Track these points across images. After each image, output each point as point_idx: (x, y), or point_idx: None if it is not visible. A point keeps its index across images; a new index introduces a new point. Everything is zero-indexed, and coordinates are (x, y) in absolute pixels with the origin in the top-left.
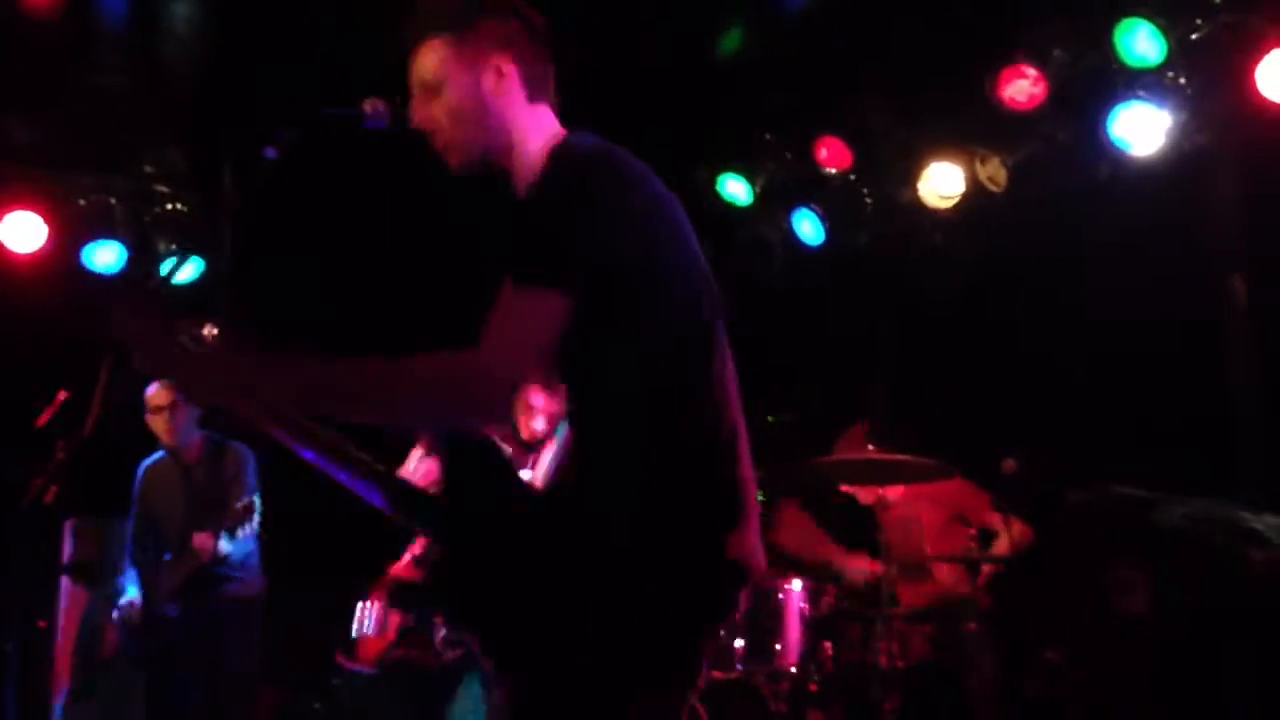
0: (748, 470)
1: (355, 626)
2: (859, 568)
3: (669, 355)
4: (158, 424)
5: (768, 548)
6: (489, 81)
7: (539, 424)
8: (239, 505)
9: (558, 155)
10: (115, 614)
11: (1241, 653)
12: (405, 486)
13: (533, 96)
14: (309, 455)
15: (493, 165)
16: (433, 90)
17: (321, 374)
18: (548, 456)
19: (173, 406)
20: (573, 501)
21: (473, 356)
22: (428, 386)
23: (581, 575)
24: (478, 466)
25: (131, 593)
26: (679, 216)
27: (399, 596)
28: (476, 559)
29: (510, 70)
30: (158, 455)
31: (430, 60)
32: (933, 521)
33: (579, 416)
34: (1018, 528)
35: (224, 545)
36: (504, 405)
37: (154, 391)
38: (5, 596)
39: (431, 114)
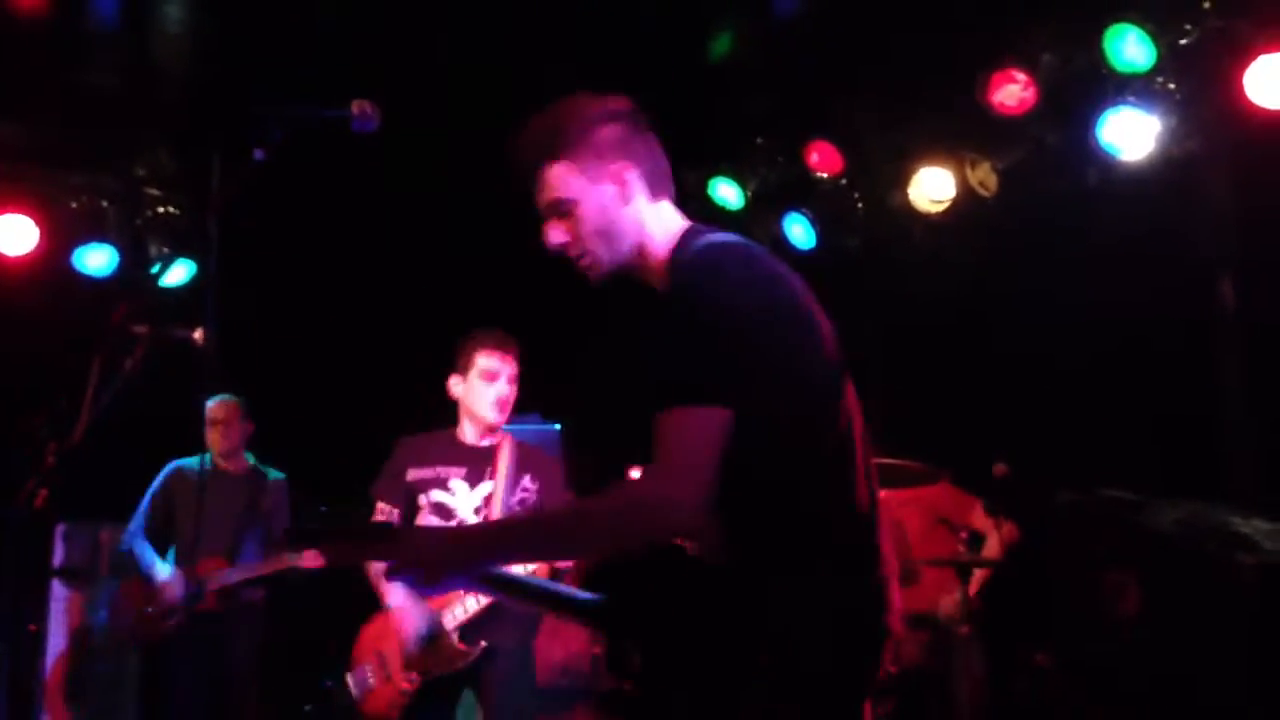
0: (887, 539)
1: (356, 688)
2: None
3: (812, 440)
4: (213, 435)
5: None
6: (612, 193)
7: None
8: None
9: (683, 262)
10: (165, 580)
11: (1231, 656)
12: (589, 604)
13: (655, 194)
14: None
15: (627, 270)
16: (563, 213)
17: (520, 536)
18: (505, 470)
19: (228, 422)
20: (746, 591)
21: (655, 487)
22: (616, 528)
23: (762, 659)
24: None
25: (163, 569)
26: (797, 290)
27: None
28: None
29: (631, 176)
30: (194, 459)
31: (554, 184)
32: (916, 526)
33: (727, 506)
34: (1007, 529)
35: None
36: (693, 528)
37: (214, 404)
38: None
39: (565, 235)
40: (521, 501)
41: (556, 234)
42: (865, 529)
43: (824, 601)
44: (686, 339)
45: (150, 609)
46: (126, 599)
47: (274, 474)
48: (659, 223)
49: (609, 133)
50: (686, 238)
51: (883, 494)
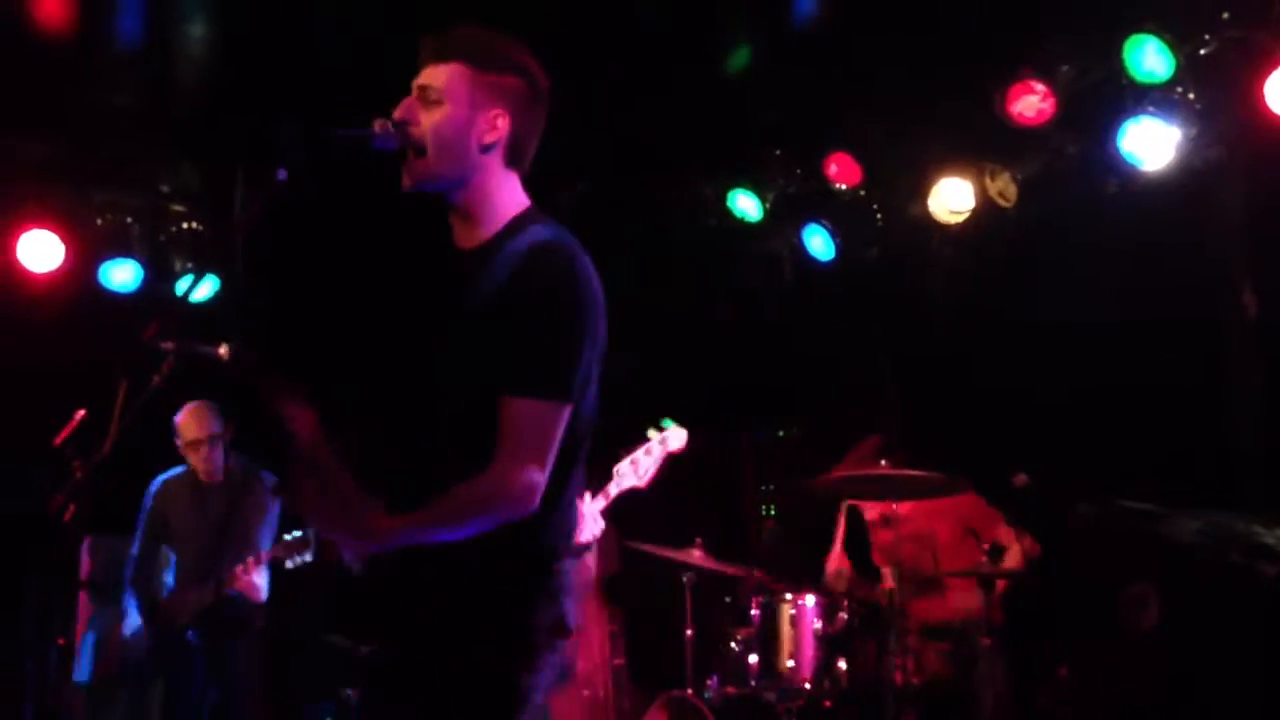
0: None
1: None
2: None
3: (582, 440)
4: (193, 457)
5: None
6: (482, 127)
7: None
8: (291, 538)
9: (551, 254)
10: (125, 633)
11: (1252, 667)
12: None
13: (511, 161)
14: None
15: (439, 195)
16: (432, 101)
17: (415, 524)
18: None
19: (210, 440)
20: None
21: (521, 479)
22: (482, 514)
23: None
24: None
25: (134, 619)
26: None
27: None
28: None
29: (504, 127)
30: (173, 472)
31: (444, 76)
32: (946, 537)
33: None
34: (1028, 542)
35: (260, 579)
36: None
37: (185, 422)
38: (24, 614)
39: (419, 117)
40: None
41: (408, 111)
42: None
43: (542, 583)
44: (550, 331)
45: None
46: (107, 643)
47: (261, 471)
48: (504, 186)
49: (517, 85)
50: (533, 216)
51: (912, 505)
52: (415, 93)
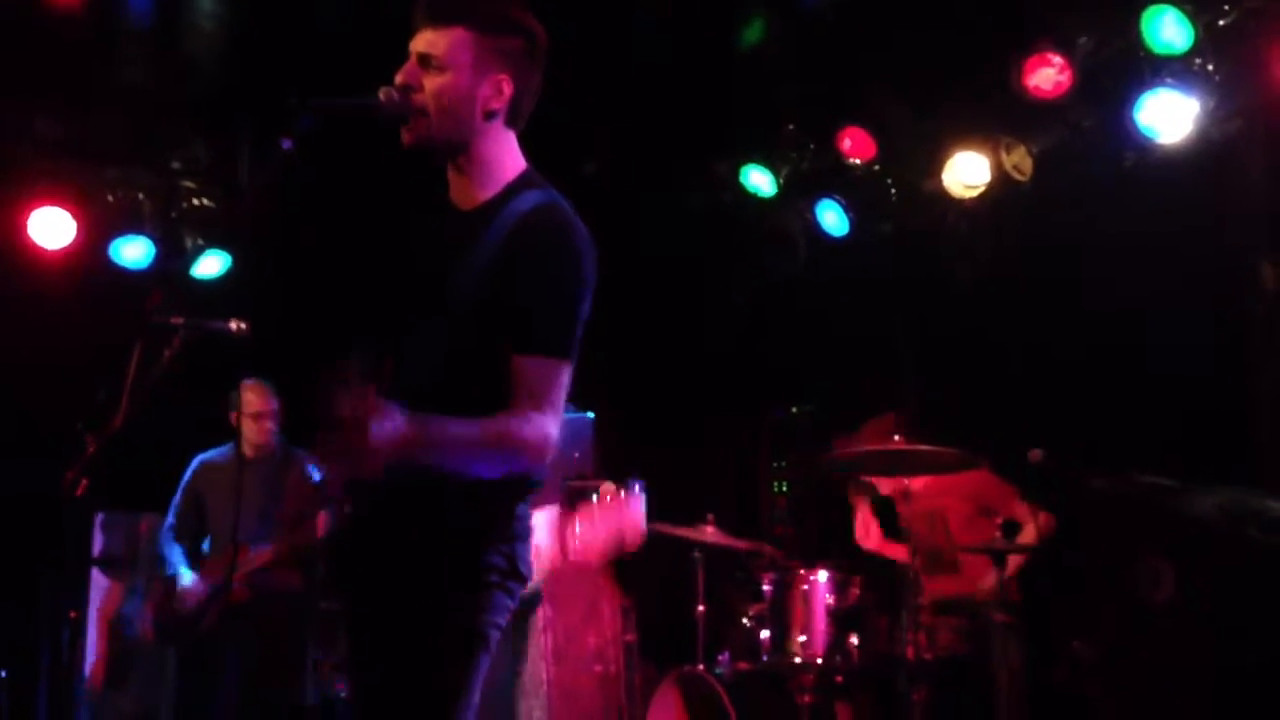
0: None
1: None
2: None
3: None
4: (252, 428)
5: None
6: (486, 92)
7: None
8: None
9: (561, 221)
10: (187, 586)
11: (1268, 643)
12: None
13: (511, 122)
14: None
15: (441, 156)
16: (435, 68)
17: (453, 439)
18: None
19: (272, 414)
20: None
21: (544, 428)
22: (515, 455)
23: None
24: None
25: (186, 575)
26: None
27: None
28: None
29: (507, 91)
30: (219, 451)
31: (446, 43)
32: (959, 514)
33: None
34: (1043, 518)
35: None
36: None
37: (249, 395)
38: (37, 589)
39: (422, 83)
40: None
41: (410, 76)
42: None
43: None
44: (560, 293)
45: (177, 608)
46: (152, 598)
47: (296, 450)
48: (504, 147)
49: (518, 46)
50: (530, 179)
51: (925, 480)
52: (415, 59)
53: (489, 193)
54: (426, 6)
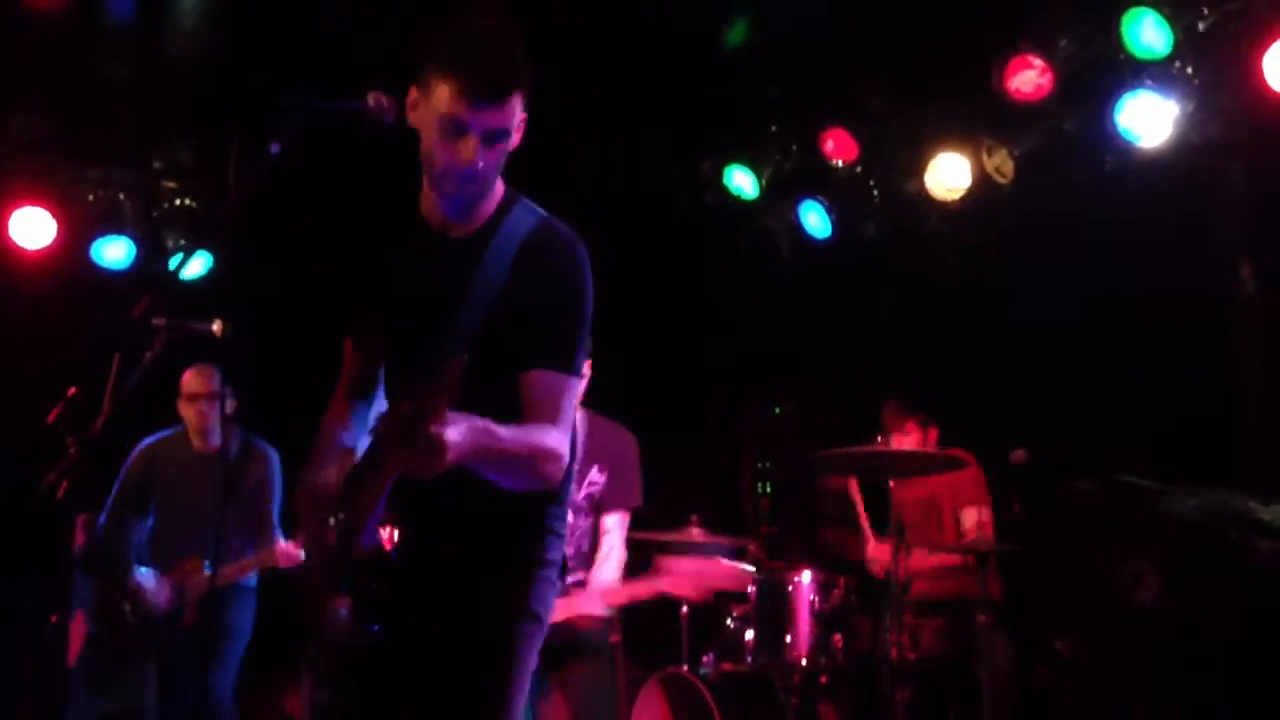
0: None
1: None
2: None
3: None
4: (190, 412)
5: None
6: (517, 139)
7: None
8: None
9: (566, 240)
10: (148, 586)
11: (1249, 644)
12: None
13: None
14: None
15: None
16: (497, 140)
17: (502, 450)
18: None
19: (210, 396)
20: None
21: (562, 444)
22: (539, 469)
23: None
24: None
25: (142, 571)
26: None
27: None
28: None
29: (522, 128)
30: (163, 434)
31: (512, 113)
32: (949, 503)
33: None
34: (985, 514)
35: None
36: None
37: (188, 377)
38: (18, 591)
39: (484, 162)
40: (588, 497)
41: (485, 158)
42: None
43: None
44: (570, 312)
45: (132, 614)
46: (104, 603)
47: (260, 444)
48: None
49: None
50: (513, 196)
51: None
52: (480, 136)
53: (483, 218)
54: (490, 88)
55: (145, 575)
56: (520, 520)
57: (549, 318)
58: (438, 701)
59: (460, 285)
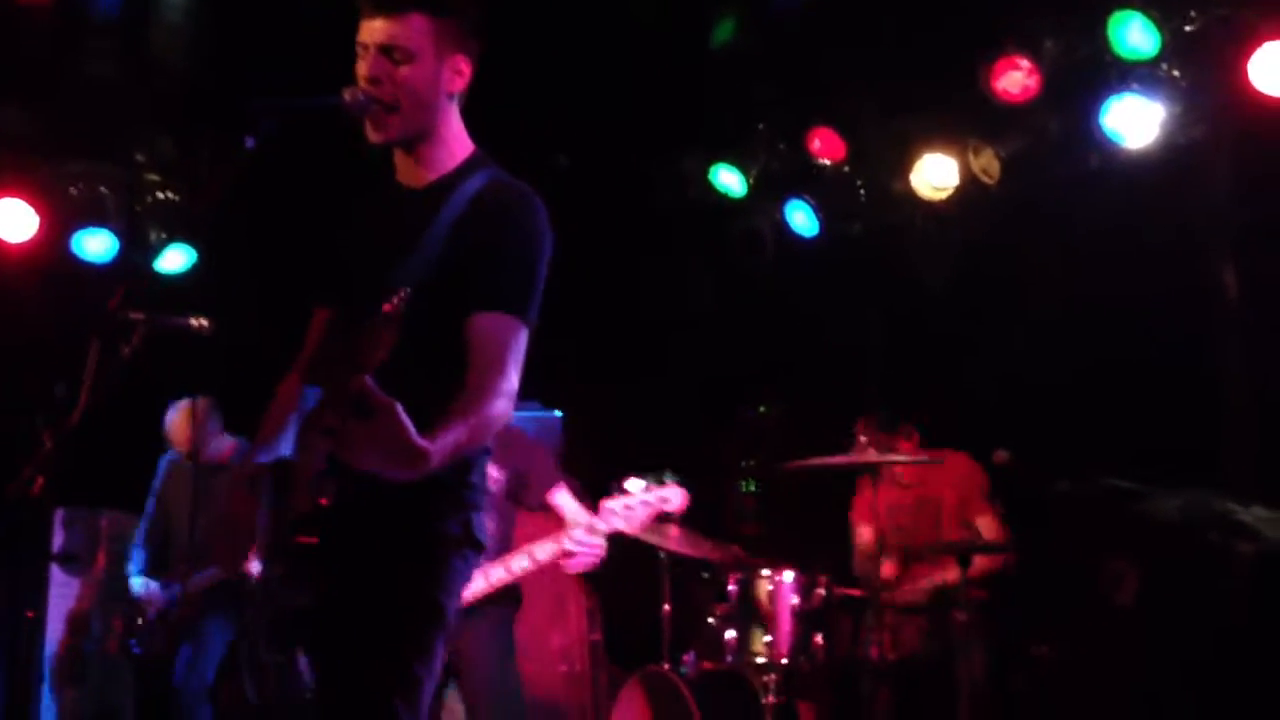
0: None
1: None
2: None
3: None
4: (176, 432)
5: None
6: (447, 76)
7: None
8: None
9: (521, 192)
10: (141, 595)
11: (1229, 645)
12: None
13: (462, 100)
14: None
15: (407, 146)
16: (400, 59)
17: (447, 447)
18: None
19: (198, 443)
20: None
21: (504, 392)
22: (488, 431)
23: None
24: None
25: (138, 584)
26: None
27: None
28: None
29: (466, 72)
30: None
31: (411, 32)
32: (949, 503)
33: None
34: (999, 528)
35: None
36: None
37: (171, 433)
38: None
39: (384, 78)
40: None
41: (378, 69)
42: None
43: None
44: (520, 256)
45: (138, 621)
46: (119, 614)
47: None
48: (457, 126)
49: (467, 23)
50: (483, 160)
51: (914, 470)
52: (375, 51)
53: (440, 171)
54: (379, 1)
55: (138, 585)
56: (428, 494)
57: (496, 257)
58: (346, 668)
59: (415, 233)
